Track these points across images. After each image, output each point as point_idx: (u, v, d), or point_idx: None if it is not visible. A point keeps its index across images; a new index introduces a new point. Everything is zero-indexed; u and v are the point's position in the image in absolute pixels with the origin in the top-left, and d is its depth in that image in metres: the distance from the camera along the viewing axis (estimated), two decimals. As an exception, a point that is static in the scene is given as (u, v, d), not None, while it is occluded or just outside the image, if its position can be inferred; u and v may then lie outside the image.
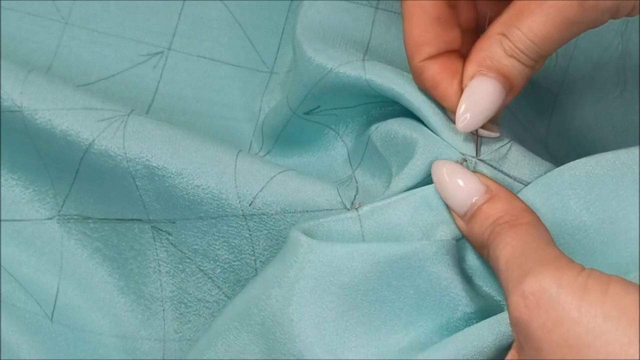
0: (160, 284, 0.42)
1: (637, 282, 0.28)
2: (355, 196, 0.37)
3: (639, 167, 0.33)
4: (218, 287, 0.41)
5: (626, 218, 0.33)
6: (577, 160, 0.34)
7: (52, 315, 0.42)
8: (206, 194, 0.38)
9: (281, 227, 0.37)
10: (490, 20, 0.34)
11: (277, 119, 0.42)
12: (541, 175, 0.35)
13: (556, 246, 0.30)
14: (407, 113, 0.37)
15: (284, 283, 0.33)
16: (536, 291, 0.28)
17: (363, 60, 0.37)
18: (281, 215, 0.37)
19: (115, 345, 0.42)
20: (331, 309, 0.33)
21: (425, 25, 0.34)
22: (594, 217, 0.33)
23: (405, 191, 0.35)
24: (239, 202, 0.37)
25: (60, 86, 0.40)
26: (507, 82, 0.33)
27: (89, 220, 0.43)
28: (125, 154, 0.39)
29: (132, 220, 0.42)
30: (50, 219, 0.43)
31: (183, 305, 0.42)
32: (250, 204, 0.37)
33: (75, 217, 0.43)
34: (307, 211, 0.37)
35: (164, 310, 0.42)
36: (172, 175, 0.38)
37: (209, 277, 0.41)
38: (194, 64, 0.45)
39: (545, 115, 0.45)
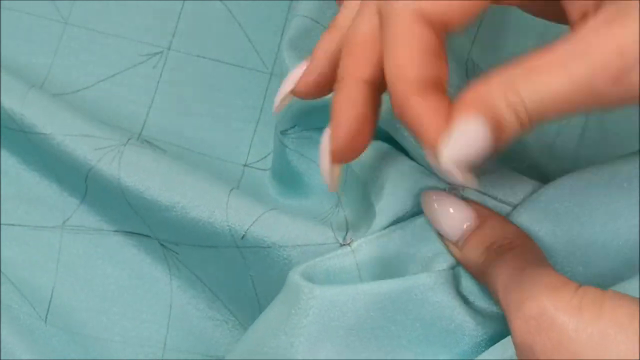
0: (170, 296, 0.42)
1: (634, 287, 0.28)
2: (347, 231, 0.37)
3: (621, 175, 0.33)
4: (226, 307, 0.42)
5: (615, 224, 0.33)
6: (560, 178, 0.34)
7: (46, 318, 0.42)
8: (200, 226, 0.38)
9: (274, 259, 0.37)
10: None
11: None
12: (529, 195, 0.35)
13: (550, 265, 0.30)
14: (383, 133, 0.37)
15: (289, 330, 0.33)
16: (536, 315, 0.28)
17: None
18: (274, 249, 0.37)
19: (115, 349, 0.42)
20: (340, 352, 0.33)
21: (413, 53, 0.29)
22: (584, 227, 0.33)
23: (393, 223, 0.35)
24: (232, 236, 0.38)
25: (58, 110, 0.41)
26: (497, 133, 0.28)
27: (97, 231, 0.43)
28: (120, 184, 0.39)
29: (141, 235, 0.42)
30: (53, 227, 0.43)
31: (190, 319, 0.42)
32: (242, 238, 0.37)
33: (81, 227, 0.43)
34: (299, 245, 0.37)
35: (169, 321, 0.42)
36: (166, 209, 0.38)
37: (217, 297, 0.42)
38: (194, 64, 0.45)
39: None
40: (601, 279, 0.31)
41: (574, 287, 0.28)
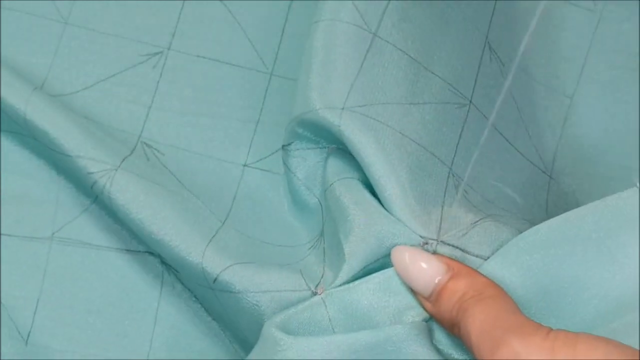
0: (156, 313, 0.43)
1: (607, 335, 0.28)
2: (321, 277, 0.37)
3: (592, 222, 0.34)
4: (222, 330, 0.42)
5: (585, 275, 0.33)
6: (530, 229, 0.35)
7: (29, 334, 0.42)
8: (181, 264, 0.39)
9: (244, 305, 0.37)
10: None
11: None
12: (500, 247, 0.35)
13: (522, 313, 0.31)
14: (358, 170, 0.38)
15: None
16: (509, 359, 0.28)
17: (343, 108, 0.37)
18: (244, 294, 0.37)
19: None
20: None
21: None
22: (554, 278, 0.34)
23: (363, 269, 0.36)
24: (205, 278, 0.38)
25: (56, 122, 0.41)
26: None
27: (88, 246, 0.43)
28: (113, 209, 0.40)
29: (143, 252, 0.43)
30: (40, 238, 0.43)
31: (174, 330, 0.43)
32: (214, 281, 0.38)
33: (71, 240, 0.43)
34: (269, 291, 0.37)
35: (152, 337, 0.42)
36: (155, 239, 0.39)
37: (213, 318, 0.42)
38: (194, 64, 0.45)
39: (558, 125, 0.45)
40: (573, 328, 0.31)
41: (546, 331, 0.29)
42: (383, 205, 0.37)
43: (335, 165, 0.40)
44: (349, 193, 0.37)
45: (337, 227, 0.37)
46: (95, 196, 0.42)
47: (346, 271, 0.36)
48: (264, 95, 0.45)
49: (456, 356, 0.35)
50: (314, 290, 0.36)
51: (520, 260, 0.34)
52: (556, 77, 0.46)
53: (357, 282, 0.36)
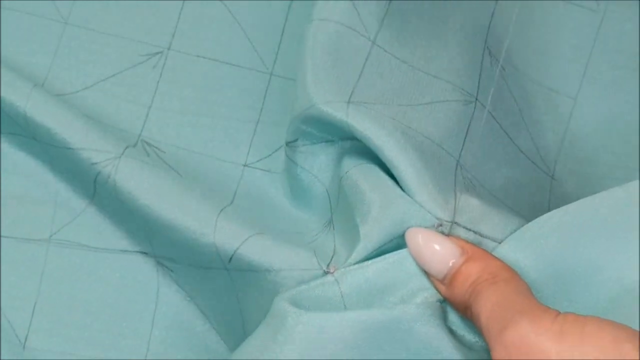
0: (153, 313, 0.42)
1: (617, 320, 0.28)
2: (332, 257, 0.37)
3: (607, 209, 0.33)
4: (212, 326, 0.42)
5: (598, 260, 0.33)
6: (545, 215, 0.35)
7: (27, 337, 0.42)
8: (191, 247, 0.38)
9: (261, 282, 0.37)
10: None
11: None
12: (514, 232, 0.35)
13: (534, 297, 0.31)
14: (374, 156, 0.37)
15: (275, 355, 0.33)
16: (517, 341, 0.29)
17: (348, 102, 0.37)
18: (260, 272, 0.37)
19: None
20: None
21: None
22: (568, 263, 0.34)
23: (376, 250, 0.35)
24: (220, 258, 0.38)
25: (57, 116, 0.41)
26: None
27: (86, 247, 0.43)
28: (119, 198, 0.40)
29: (138, 252, 0.42)
30: (38, 240, 0.43)
31: (172, 331, 0.42)
32: (229, 261, 0.38)
33: (68, 242, 0.43)
34: (284, 269, 0.37)
35: (150, 339, 0.42)
36: (162, 226, 0.39)
37: (206, 315, 0.42)
38: (194, 64, 0.45)
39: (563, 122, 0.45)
40: (586, 313, 0.31)
41: (555, 313, 0.29)
42: (401, 187, 0.36)
43: (352, 155, 0.39)
44: (366, 178, 0.37)
45: (354, 211, 0.37)
46: (92, 196, 0.42)
47: (360, 251, 0.35)
48: (264, 95, 0.45)
49: (469, 338, 0.35)
50: (326, 270, 0.36)
51: (535, 243, 0.34)
52: (558, 78, 0.46)
53: (370, 261, 0.35)
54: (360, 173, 0.37)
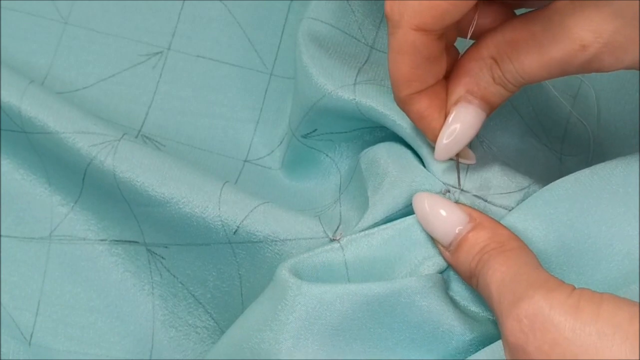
0: (152, 307, 0.42)
1: (630, 297, 0.28)
2: (338, 226, 0.37)
3: (619, 178, 0.33)
4: (208, 312, 0.42)
5: (609, 231, 0.33)
6: (555, 182, 0.34)
7: (32, 335, 0.42)
8: (192, 222, 0.38)
9: (265, 254, 0.37)
10: (480, 29, 0.34)
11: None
12: (523, 200, 0.35)
13: (544, 269, 0.31)
14: (397, 137, 0.37)
15: (275, 326, 0.33)
16: (530, 314, 0.28)
17: (354, 84, 0.37)
18: (265, 243, 0.37)
19: None
20: (324, 351, 0.33)
21: (416, 64, 0.32)
22: (577, 233, 0.33)
23: (384, 221, 0.35)
24: (224, 231, 0.38)
25: (54, 107, 0.40)
26: (489, 108, 0.34)
27: (84, 241, 0.43)
28: (116, 180, 0.39)
29: (129, 242, 0.42)
30: (39, 238, 0.43)
31: (173, 329, 0.42)
32: (234, 233, 0.37)
33: (68, 237, 0.43)
34: (289, 239, 0.37)
35: (153, 332, 0.42)
36: (160, 203, 0.38)
37: (200, 303, 0.42)
38: (194, 64, 0.45)
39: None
40: (595, 287, 0.31)
41: (570, 288, 0.28)
42: (418, 155, 0.36)
43: (373, 143, 0.39)
44: (388, 151, 0.37)
45: (367, 183, 0.37)
46: (81, 188, 0.41)
47: (368, 218, 0.35)
48: (264, 95, 0.45)
49: (472, 308, 0.35)
50: (332, 237, 0.36)
51: (545, 212, 0.34)
52: (559, 78, 0.46)
53: (377, 228, 0.35)
54: (382, 148, 0.37)
